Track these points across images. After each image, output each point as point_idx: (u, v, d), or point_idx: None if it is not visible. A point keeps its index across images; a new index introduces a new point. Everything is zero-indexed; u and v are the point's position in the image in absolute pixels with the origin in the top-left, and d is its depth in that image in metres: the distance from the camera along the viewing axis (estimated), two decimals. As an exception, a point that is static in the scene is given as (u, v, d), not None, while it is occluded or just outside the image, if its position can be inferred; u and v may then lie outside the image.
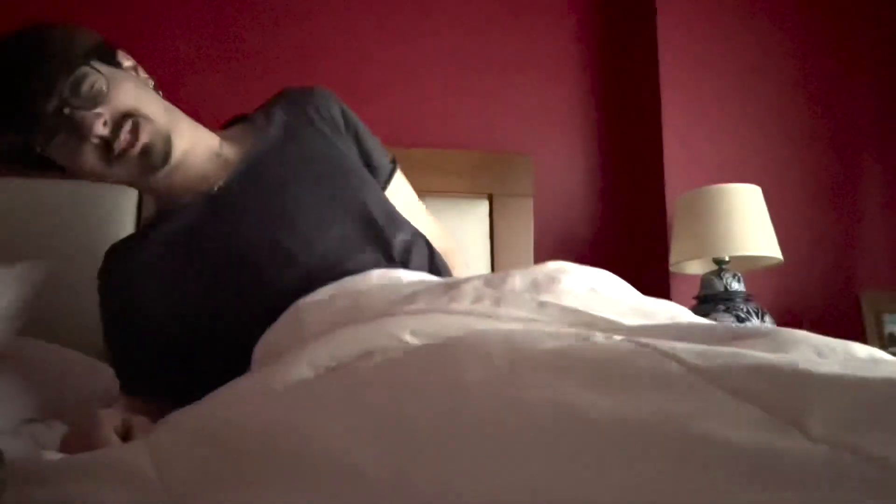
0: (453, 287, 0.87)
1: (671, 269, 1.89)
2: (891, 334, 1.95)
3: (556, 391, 0.49)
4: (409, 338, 0.75)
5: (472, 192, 1.88)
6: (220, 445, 0.54)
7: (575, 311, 0.81)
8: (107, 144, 0.98)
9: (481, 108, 2.07)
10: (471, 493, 0.42)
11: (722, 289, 1.74)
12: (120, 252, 1.11)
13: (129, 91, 1.00)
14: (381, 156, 1.24)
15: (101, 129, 0.97)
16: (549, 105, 2.12)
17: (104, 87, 0.97)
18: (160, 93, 1.09)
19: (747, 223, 1.73)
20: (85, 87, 0.96)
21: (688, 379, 0.48)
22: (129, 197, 1.70)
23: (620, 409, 0.45)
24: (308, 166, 1.10)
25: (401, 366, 0.65)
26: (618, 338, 0.61)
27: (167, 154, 1.02)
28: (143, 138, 0.99)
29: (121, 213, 1.68)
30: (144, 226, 1.16)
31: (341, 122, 1.19)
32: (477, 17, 2.11)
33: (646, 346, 0.54)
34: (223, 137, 1.13)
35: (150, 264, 1.06)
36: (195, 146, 1.07)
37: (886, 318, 1.97)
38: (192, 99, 1.93)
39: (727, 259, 1.77)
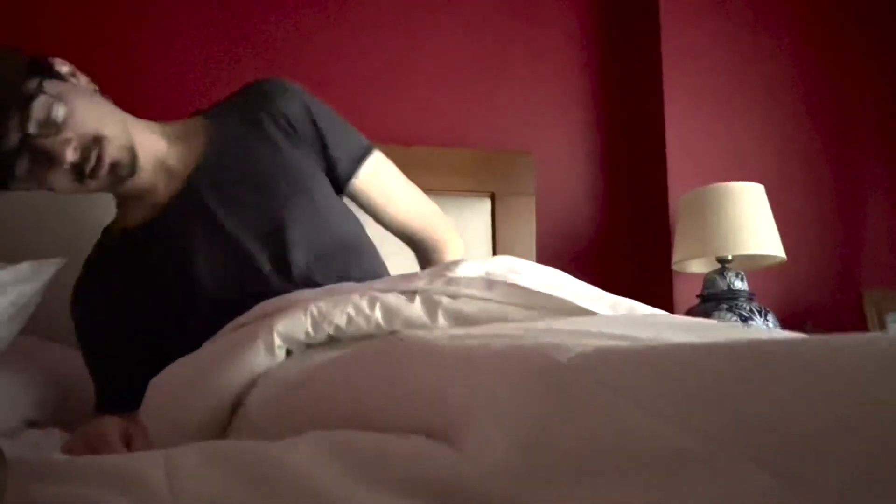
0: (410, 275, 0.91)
1: (674, 267, 1.88)
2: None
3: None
4: (368, 310, 0.83)
5: (474, 191, 1.87)
6: (237, 470, 0.53)
7: (525, 291, 0.83)
8: (77, 167, 0.99)
9: (483, 107, 2.06)
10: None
11: (725, 287, 1.73)
12: (82, 277, 1.14)
13: (88, 111, 1.00)
14: (351, 146, 1.19)
15: (71, 155, 0.97)
16: (552, 103, 2.12)
17: (62, 113, 0.97)
18: (106, 96, 1.09)
19: (750, 222, 1.72)
20: (44, 116, 0.96)
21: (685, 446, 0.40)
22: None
23: None
24: (236, 186, 1.09)
25: (365, 366, 0.68)
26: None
27: (134, 163, 1.04)
28: (110, 157, 1.01)
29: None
30: (100, 249, 1.15)
31: (301, 120, 1.15)
32: (479, 15, 2.11)
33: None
34: (173, 139, 1.12)
35: (99, 291, 1.10)
36: (145, 154, 1.07)
37: (889, 316, 1.96)
38: (198, 93, 1.93)
39: (730, 258, 1.77)
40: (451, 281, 0.85)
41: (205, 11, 1.96)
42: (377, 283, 0.89)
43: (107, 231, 1.16)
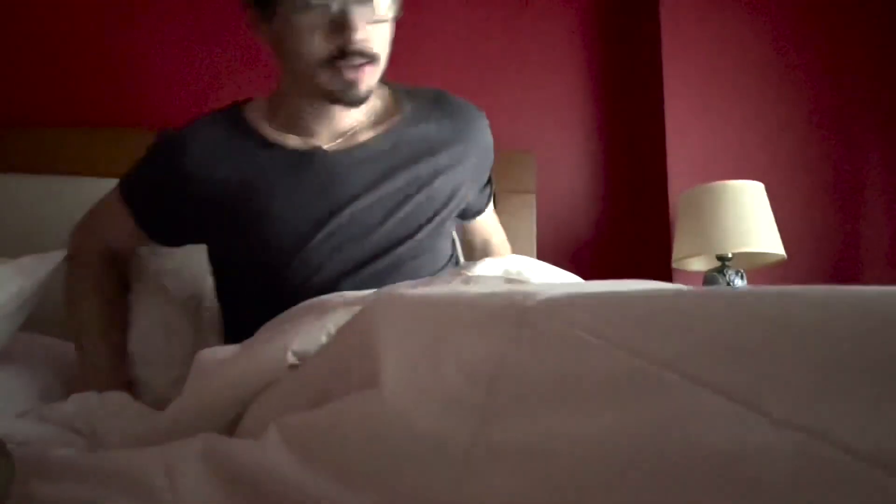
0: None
1: (674, 265, 1.88)
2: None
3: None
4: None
5: (474, 189, 1.87)
6: (234, 480, 0.53)
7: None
8: (344, 52, 0.98)
9: (484, 105, 2.05)
10: None
11: (725, 285, 1.74)
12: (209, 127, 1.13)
13: (389, 30, 1.03)
14: None
15: (360, 35, 0.97)
16: (552, 101, 2.12)
17: (387, 9, 1.01)
18: None
19: (750, 220, 1.73)
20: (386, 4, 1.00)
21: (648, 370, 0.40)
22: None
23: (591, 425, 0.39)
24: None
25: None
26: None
27: (365, 98, 1.05)
28: (371, 76, 1.03)
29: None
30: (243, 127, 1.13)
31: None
32: (479, 14, 2.11)
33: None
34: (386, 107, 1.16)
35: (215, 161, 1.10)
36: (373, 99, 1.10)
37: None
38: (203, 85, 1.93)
39: (730, 256, 1.77)
40: (469, 280, 0.86)
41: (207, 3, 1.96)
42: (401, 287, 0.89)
43: (252, 109, 1.14)
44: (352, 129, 1.12)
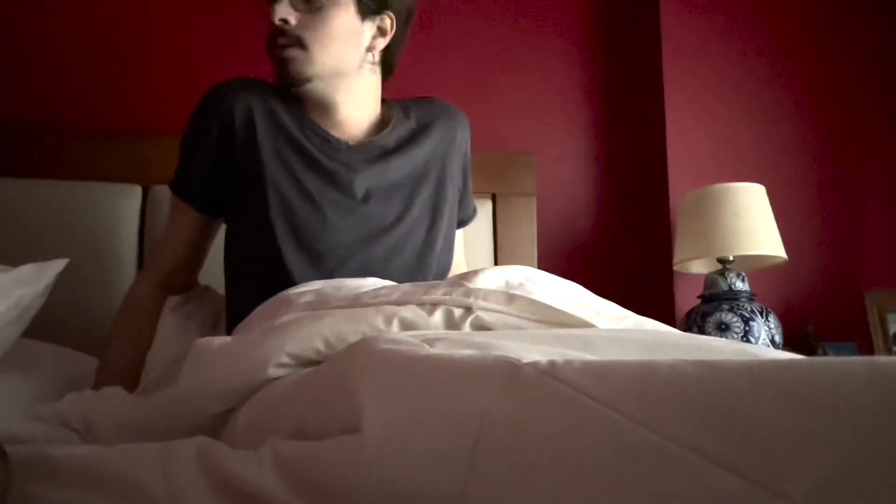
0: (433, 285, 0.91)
1: (675, 268, 1.88)
2: (895, 333, 1.94)
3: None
4: (383, 326, 0.80)
5: (475, 192, 1.85)
6: (225, 488, 0.53)
7: (545, 307, 0.81)
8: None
9: (484, 108, 2.06)
10: None
11: (726, 288, 1.73)
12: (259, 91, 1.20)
13: None
14: None
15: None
16: (553, 104, 2.12)
17: None
18: None
19: (751, 222, 1.72)
20: None
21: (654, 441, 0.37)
22: (131, 197, 1.69)
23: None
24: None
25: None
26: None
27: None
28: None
29: (122, 214, 1.67)
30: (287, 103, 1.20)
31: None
32: (480, 16, 2.11)
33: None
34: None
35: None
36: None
37: (890, 317, 1.96)
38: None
39: (731, 258, 1.76)
40: (470, 292, 0.84)
41: None
42: (395, 293, 0.88)
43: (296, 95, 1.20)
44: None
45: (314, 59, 1.12)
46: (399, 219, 1.17)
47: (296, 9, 1.11)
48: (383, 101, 1.26)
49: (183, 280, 1.26)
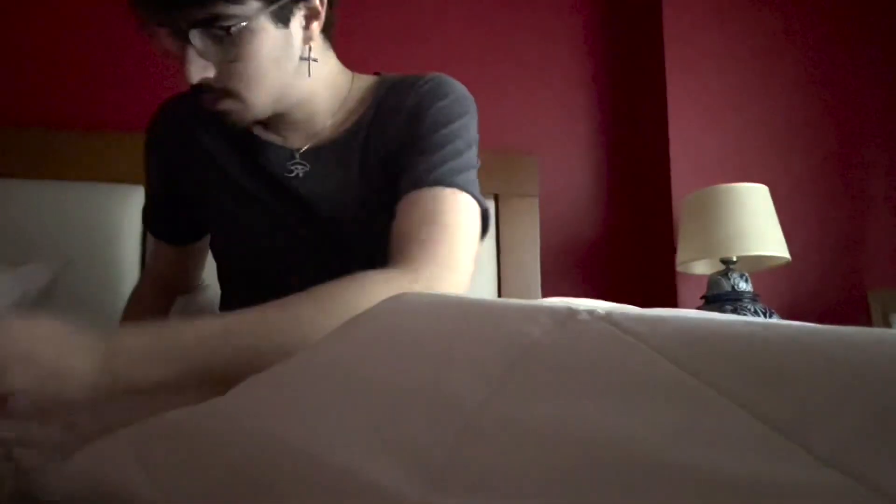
0: None
1: (678, 269, 1.88)
2: (899, 334, 1.94)
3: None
4: None
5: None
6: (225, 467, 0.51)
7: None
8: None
9: (487, 109, 2.05)
10: None
11: (729, 289, 1.73)
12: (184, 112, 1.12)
13: None
14: None
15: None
16: (555, 105, 2.12)
17: None
18: None
19: (755, 223, 1.72)
20: None
21: (676, 376, 0.39)
22: (131, 198, 1.68)
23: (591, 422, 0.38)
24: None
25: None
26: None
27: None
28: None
29: (125, 215, 1.67)
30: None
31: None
32: (483, 18, 2.11)
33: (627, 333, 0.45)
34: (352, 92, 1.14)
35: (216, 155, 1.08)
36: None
37: (894, 316, 1.96)
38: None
39: (734, 259, 1.76)
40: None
41: None
42: None
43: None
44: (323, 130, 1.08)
45: (252, 105, 0.96)
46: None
47: (209, 58, 0.90)
48: (376, 73, 1.16)
49: (185, 284, 1.28)
